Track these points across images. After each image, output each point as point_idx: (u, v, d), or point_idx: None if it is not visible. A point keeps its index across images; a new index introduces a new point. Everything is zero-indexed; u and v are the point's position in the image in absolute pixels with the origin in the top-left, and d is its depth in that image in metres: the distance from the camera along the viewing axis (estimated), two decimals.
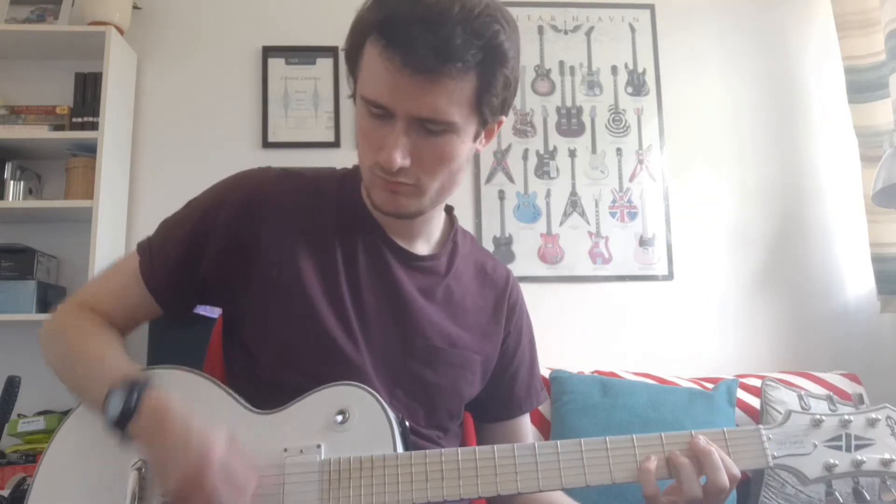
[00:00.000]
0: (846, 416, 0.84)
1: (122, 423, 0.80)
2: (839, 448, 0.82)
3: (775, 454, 0.82)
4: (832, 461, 0.81)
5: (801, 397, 0.86)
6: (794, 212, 2.66)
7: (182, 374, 0.90)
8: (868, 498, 0.81)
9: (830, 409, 0.85)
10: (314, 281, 0.93)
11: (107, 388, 0.82)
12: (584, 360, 2.37)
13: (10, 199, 2.35)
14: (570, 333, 2.51)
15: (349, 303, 0.94)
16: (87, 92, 2.43)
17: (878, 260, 2.43)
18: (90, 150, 2.34)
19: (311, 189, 0.99)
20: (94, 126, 2.35)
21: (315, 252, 0.95)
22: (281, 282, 0.93)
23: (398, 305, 0.96)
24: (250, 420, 0.86)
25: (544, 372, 2.26)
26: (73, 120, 2.41)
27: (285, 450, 0.82)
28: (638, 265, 2.59)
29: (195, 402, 0.84)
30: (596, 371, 2.30)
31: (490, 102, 0.85)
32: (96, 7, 2.43)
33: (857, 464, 0.81)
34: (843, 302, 2.60)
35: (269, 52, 2.64)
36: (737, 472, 0.80)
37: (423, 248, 1.01)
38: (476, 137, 0.90)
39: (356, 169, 1.01)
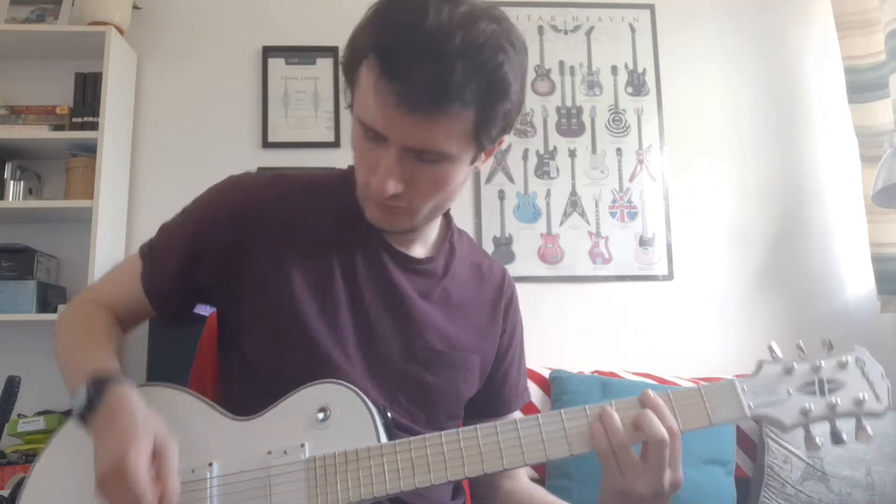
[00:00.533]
0: (817, 361, 0.85)
1: (83, 416, 0.82)
2: (813, 393, 0.83)
3: (752, 404, 0.83)
4: (807, 406, 0.82)
5: (770, 348, 0.87)
6: (794, 212, 2.66)
7: (160, 389, 0.90)
8: (845, 439, 0.82)
9: (801, 356, 0.86)
10: (307, 288, 0.93)
11: (79, 382, 0.83)
12: (584, 360, 2.37)
13: (10, 199, 2.35)
14: (570, 333, 2.51)
15: (347, 309, 0.94)
16: (87, 92, 2.43)
17: (878, 260, 2.43)
18: (90, 150, 2.34)
19: (304, 193, 0.99)
20: (94, 126, 2.35)
21: (309, 258, 0.94)
22: (273, 290, 0.92)
23: (398, 309, 0.96)
24: (232, 427, 0.86)
25: (544, 372, 2.27)
26: (73, 120, 2.42)
27: (269, 452, 0.82)
28: (638, 265, 2.59)
29: (174, 416, 0.83)
30: (596, 371, 2.31)
31: (489, 134, 0.84)
32: (96, 7, 2.43)
33: (832, 406, 0.82)
34: (843, 302, 2.60)
35: (269, 52, 2.64)
36: (674, 424, 0.80)
37: (419, 250, 1.01)
38: (474, 161, 0.89)
39: (351, 170, 1.01)
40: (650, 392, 0.82)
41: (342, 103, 2.59)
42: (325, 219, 0.97)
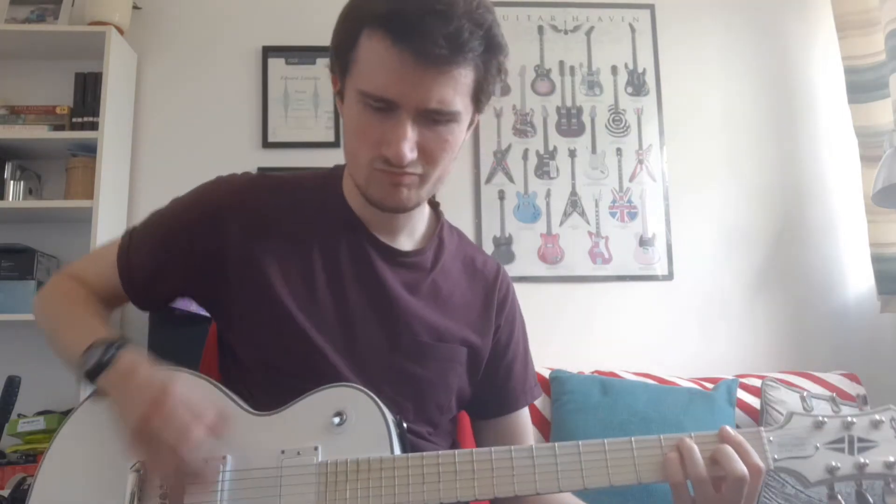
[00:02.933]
0: (849, 418, 0.81)
1: (93, 374, 0.85)
2: (842, 450, 0.81)
3: (776, 457, 0.81)
4: (834, 464, 0.80)
5: (803, 399, 0.84)
6: (794, 212, 2.66)
7: (182, 374, 0.89)
8: (871, 501, 0.80)
9: (833, 411, 0.83)
10: (288, 282, 0.94)
11: (88, 344, 0.87)
12: (584, 360, 2.37)
13: (10, 199, 2.35)
14: (570, 333, 2.51)
15: (329, 303, 0.94)
16: (87, 92, 2.43)
17: (878, 260, 2.43)
18: (90, 150, 2.34)
19: (286, 192, 1.00)
20: (94, 126, 2.35)
21: (291, 254, 0.95)
22: (254, 286, 0.94)
23: (383, 302, 0.97)
24: (248, 421, 0.86)
25: (544, 372, 2.27)
26: (73, 120, 2.41)
27: (282, 451, 0.82)
28: (638, 265, 2.59)
29: None
30: (596, 371, 2.30)
31: (487, 91, 0.89)
32: (96, 7, 2.43)
33: (860, 466, 0.80)
34: (843, 302, 2.60)
35: (269, 52, 2.64)
36: (758, 462, 0.79)
37: (406, 243, 1.02)
38: (469, 125, 0.93)
39: (335, 168, 1.04)
40: (728, 428, 0.81)
41: None
42: (307, 214, 0.98)
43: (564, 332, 2.50)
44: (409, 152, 0.84)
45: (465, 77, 0.84)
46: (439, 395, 0.99)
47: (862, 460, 0.80)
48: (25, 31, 2.45)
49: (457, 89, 0.84)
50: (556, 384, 2.21)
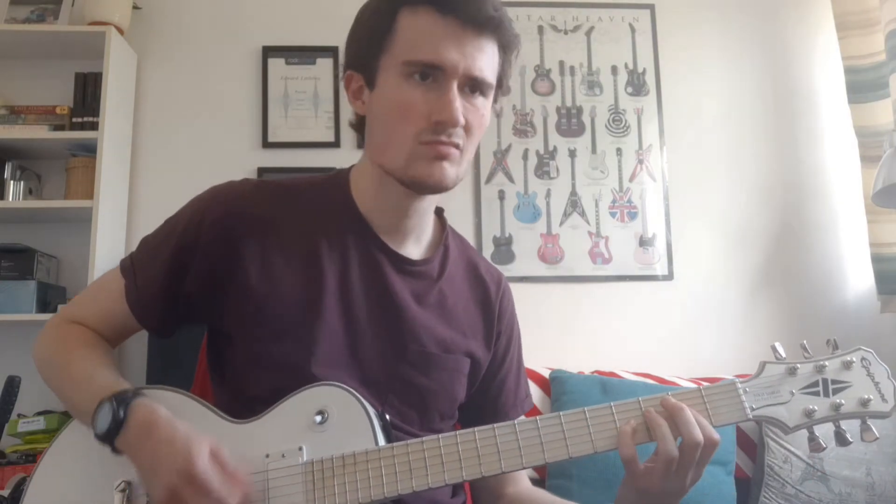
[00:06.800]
0: (821, 362, 0.84)
1: (110, 436, 0.81)
2: (817, 394, 0.83)
3: (753, 406, 0.82)
4: (811, 407, 0.82)
5: (774, 349, 0.87)
6: (794, 212, 2.66)
7: (159, 392, 0.89)
8: (850, 440, 0.81)
9: (804, 357, 0.85)
10: (298, 291, 0.92)
11: (96, 403, 0.82)
12: (584, 360, 2.37)
13: (10, 199, 2.35)
14: (570, 333, 2.51)
15: (337, 310, 0.93)
16: (87, 92, 2.43)
17: (877, 260, 2.43)
18: (90, 150, 2.34)
19: (291, 197, 0.98)
20: (94, 126, 2.35)
21: (299, 261, 0.93)
22: (263, 296, 0.91)
23: (391, 311, 0.95)
24: (230, 431, 0.86)
25: (544, 372, 2.27)
26: (73, 120, 2.41)
27: (267, 455, 0.82)
28: (638, 265, 2.59)
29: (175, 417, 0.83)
30: (596, 371, 2.31)
31: (507, 71, 0.94)
32: (96, 7, 2.43)
33: (836, 406, 0.82)
34: (843, 302, 2.60)
35: (269, 52, 2.64)
36: (713, 434, 0.80)
37: (413, 249, 1.00)
38: (490, 108, 0.95)
39: (341, 172, 1.02)
40: (671, 396, 0.83)
41: (342, 103, 2.59)
42: (314, 220, 0.96)
43: (564, 332, 2.50)
44: (461, 114, 0.87)
45: (495, 55, 0.90)
46: (443, 405, 0.99)
47: (837, 400, 0.82)
48: (25, 31, 2.45)
49: (492, 61, 0.90)
50: (556, 384, 2.21)
